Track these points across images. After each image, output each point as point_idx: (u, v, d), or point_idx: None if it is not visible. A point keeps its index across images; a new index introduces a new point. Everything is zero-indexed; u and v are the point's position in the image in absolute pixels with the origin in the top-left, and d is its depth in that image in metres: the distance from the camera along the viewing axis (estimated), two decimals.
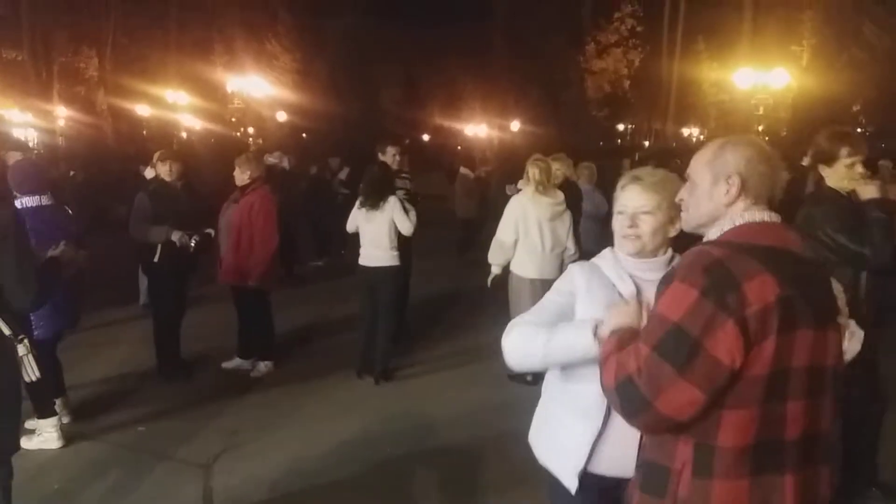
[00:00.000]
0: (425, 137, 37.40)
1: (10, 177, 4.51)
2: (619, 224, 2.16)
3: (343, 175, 12.66)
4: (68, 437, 4.71)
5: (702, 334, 1.52)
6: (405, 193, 6.47)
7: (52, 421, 4.60)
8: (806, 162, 3.77)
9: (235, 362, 6.10)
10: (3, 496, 2.99)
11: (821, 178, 3.42)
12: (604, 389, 1.69)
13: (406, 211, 5.84)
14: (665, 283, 1.65)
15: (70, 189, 12.63)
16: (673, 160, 11.19)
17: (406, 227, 5.80)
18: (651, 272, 2.10)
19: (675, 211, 2.02)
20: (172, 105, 27.27)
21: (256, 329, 6.06)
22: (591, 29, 30.92)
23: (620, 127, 36.00)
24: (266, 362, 6.08)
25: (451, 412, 5.22)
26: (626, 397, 1.60)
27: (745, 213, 1.72)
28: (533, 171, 5.57)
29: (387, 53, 34.13)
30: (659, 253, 2.15)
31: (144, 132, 27.55)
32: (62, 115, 26.57)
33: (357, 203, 5.93)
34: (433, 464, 4.44)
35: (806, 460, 1.64)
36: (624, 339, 1.71)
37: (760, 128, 22.66)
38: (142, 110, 27.62)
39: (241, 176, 5.85)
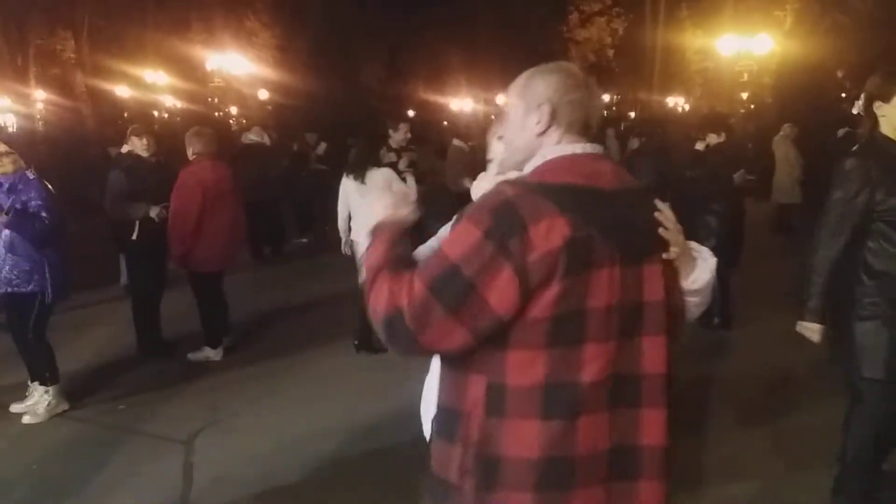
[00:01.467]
0: (410, 113, 37.10)
1: None
2: None
3: (320, 150, 12.53)
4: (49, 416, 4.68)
5: (477, 277, 1.47)
6: (410, 167, 6.44)
7: (58, 387, 4.78)
8: (857, 109, 3.56)
9: (205, 352, 5.85)
10: None
11: (874, 125, 3.06)
12: (371, 312, 1.58)
13: (403, 180, 5.79)
14: (457, 218, 1.58)
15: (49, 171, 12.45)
16: (658, 128, 11.12)
17: (408, 192, 5.70)
18: None
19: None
20: (152, 86, 26.93)
21: (203, 313, 5.85)
22: None
23: (606, 97, 35.90)
24: (211, 349, 5.82)
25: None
26: (393, 329, 1.53)
27: (557, 147, 1.64)
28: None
29: (368, 28, 33.65)
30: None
31: (125, 114, 27.17)
32: (40, 98, 26.17)
33: (345, 176, 5.80)
34: (419, 436, 4.40)
35: (616, 402, 1.57)
36: (391, 239, 1.67)
37: (745, 95, 22.70)
38: (121, 92, 27.26)
39: (188, 152, 5.66)
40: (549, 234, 1.47)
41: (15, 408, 4.77)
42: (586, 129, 1.67)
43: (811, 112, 15.94)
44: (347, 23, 32.02)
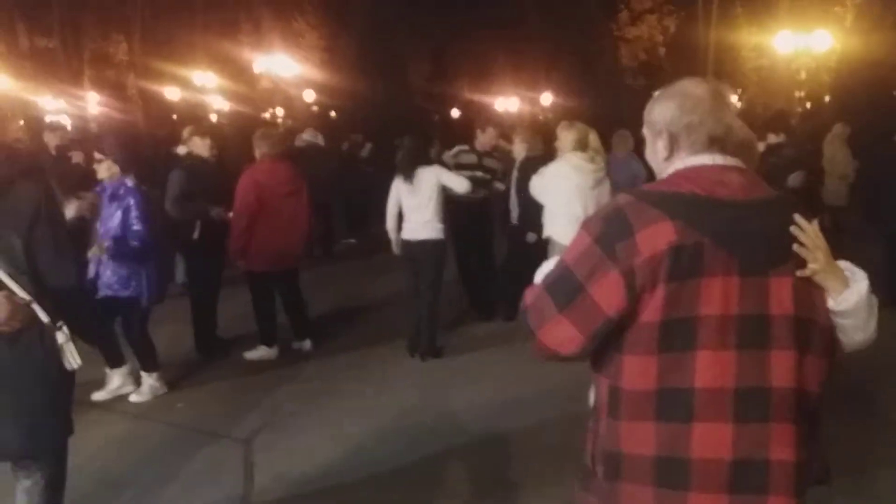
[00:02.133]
0: (454, 113, 36.94)
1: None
2: None
3: (365, 152, 12.53)
4: (107, 414, 4.69)
5: (586, 279, 1.58)
6: (488, 173, 6.51)
7: (160, 373, 5.08)
8: None
9: (259, 351, 5.82)
10: (44, 488, 2.87)
11: None
12: None
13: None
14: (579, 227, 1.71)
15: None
16: None
17: (461, 184, 5.63)
18: None
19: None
20: (201, 87, 27.36)
21: (256, 312, 5.83)
22: None
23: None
24: (266, 347, 5.80)
25: (498, 393, 5.02)
26: (524, 324, 1.71)
27: (685, 160, 1.69)
28: (565, 137, 5.31)
29: (414, 27, 33.66)
30: None
31: (174, 115, 27.66)
32: (93, 100, 26.83)
33: (397, 174, 5.73)
34: (474, 447, 4.27)
35: (743, 414, 1.57)
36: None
37: (801, 93, 22.03)
38: (171, 93, 27.77)
39: (256, 153, 5.69)
40: (655, 239, 1.54)
41: (97, 396, 4.97)
42: (712, 143, 1.68)
43: (870, 111, 15.37)
44: (393, 22, 32.10)
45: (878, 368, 5.05)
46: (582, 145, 5.29)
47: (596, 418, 1.73)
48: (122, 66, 27.48)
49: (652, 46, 29.91)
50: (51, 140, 7.13)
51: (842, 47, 19.30)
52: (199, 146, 5.74)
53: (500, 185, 6.78)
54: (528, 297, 1.71)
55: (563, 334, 1.62)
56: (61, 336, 2.70)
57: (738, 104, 30.73)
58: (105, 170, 4.71)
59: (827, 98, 21.45)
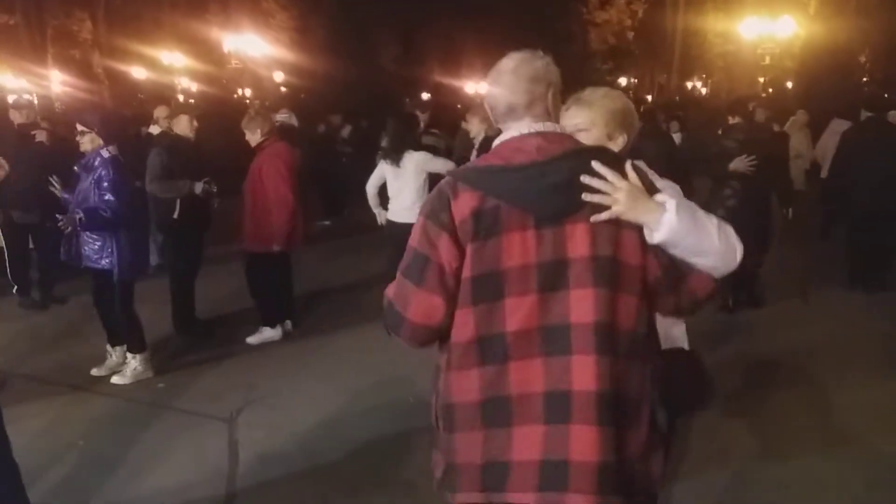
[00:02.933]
0: (424, 96, 36.89)
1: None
2: None
3: (345, 133, 12.51)
4: (88, 394, 4.74)
5: (430, 250, 1.80)
6: (434, 150, 6.49)
7: (145, 355, 5.08)
8: None
9: (265, 334, 5.81)
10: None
11: None
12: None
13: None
14: None
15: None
16: (676, 112, 11.03)
17: (445, 165, 5.69)
18: None
19: (613, 126, 2.18)
20: (168, 67, 26.91)
21: (275, 292, 5.84)
22: None
23: (623, 81, 35.58)
24: (269, 329, 5.82)
25: None
26: (389, 316, 1.92)
27: (499, 139, 1.91)
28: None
29: (384, 9, 33.46)
30: None
31: (141, 95, 27.20)
32: (57, 79, 26.22)
33: (379, 158, 5.79)
34: None
35: (549, 351, 1.75)
36: None
37: (763, 79, 22.42)
38: (138, 73, 27.27)
39: (253, 137, 5.61)
40: (463, 207, 1.77)
41: (96, 371, 5.08)
42: (511, 111, 1.87)
43: (833, 96, 15.74)
44: (363, 4, 31.84)
45: (818, 350, 5.32)
46: None
47: (436, 376, 1.93)
48: (86, 45, 26.86)
49: (621, 30, 30.15)
50: (16, 118, 7.02)
51: (805, 34, 19.69)
52: (185, 126, 5.73)
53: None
54: (389, 291, 1.92)
55: (427, 305, 1.81)
56: None
57: (704, 89, 31.19)
58: (88, 142, 4.73)
59: (790, 84, 21.85)
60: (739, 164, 5.83)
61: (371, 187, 5.86)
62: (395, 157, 5.63)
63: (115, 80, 26.94)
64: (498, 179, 1.79)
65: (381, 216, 5.91)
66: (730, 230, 1.84)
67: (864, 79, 21.38)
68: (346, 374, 5.11)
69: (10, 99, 9.54)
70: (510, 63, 1.89)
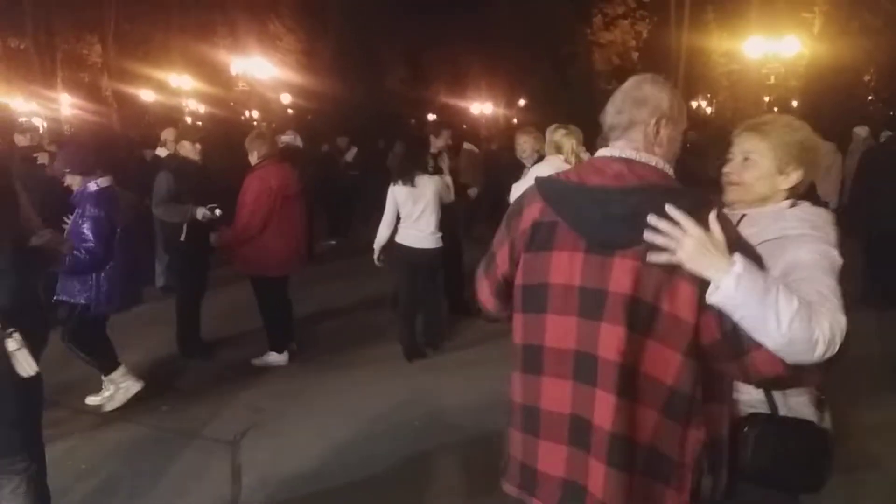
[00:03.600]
0: (430, 117, 37.09)
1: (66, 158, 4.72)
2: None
3: (350, 156, 12.56)
4: (93, 418, 4.71)
5: (496, 248, 1.98)
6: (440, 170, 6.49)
7: (120, 370, 4.93)
8: None
9: (268, 358, 5.77)
10: (25, 494, 2.92)
11: None
12: None
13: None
14: None
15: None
16: (686, 132, 10.99)
17: (449, 196, 5.82)
18: (749, 227, 1.96)
19: (787, 159, 1.98)
20: (176, 90, 27.16)
21: (275, 316, 5.78)
22: (597, 0, 30.54)
23: None
24: (276, 354, 5.76)
25: (486, 391, 5.11)
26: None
27: (597, 153, 1.94)
28: (568, 142, 5.44)
29: (391, 32, 33.71)
30: (767, 203, 2.03)
31: (149, 118, 27.44)
32: (67, 102, 26.50)
33: (395, 180, 5.67)
34: (465, 446, 4.36)
35: (578, 376, 1.77)
36: None
37: (768, 98, 22.46)
38: (146, 95, 27.53)
39: (251, 157, 5.61)
40: (529, 216, 1.87)
41: (91, 400, 5.00)
42: (611, 132, 1.88)
43: (837, 116, 15.76)
44: (370, 26, 32.08)
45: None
46: (557, 148, 5.45)
47: None
48: (95, 68, 27.18)
49: (625, 51, 30.32)
50: (21, 141, 7.07)
51: (810, 53, 19.74)
52: (188, 149, 5.76)
53: (472, 191, 6.87)
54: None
55: (484, 292, 2.06)
56: (12, 343, 2.69)
57: (709, 108, 31.26)
58: (73, 182, 4.64)
59: (795, 103, 21.86)
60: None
61: (390, 215, 5.67)
62: (409, 178, 5.57)
63: (123, 103, 27.19)
64: (564, 196, 1.82)
65: (380, 251, 5.78)
66: (814, 320, 1.62)
67: (870, 97, 21.37)
68: (351, 396, 5.09)
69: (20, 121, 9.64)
70: (628, 83, 1.89)
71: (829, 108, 17.71)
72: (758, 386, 1.87)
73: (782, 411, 1.94)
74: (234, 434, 4.50)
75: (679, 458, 1.73)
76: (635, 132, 1.81)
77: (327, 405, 4.95)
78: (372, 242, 5.84)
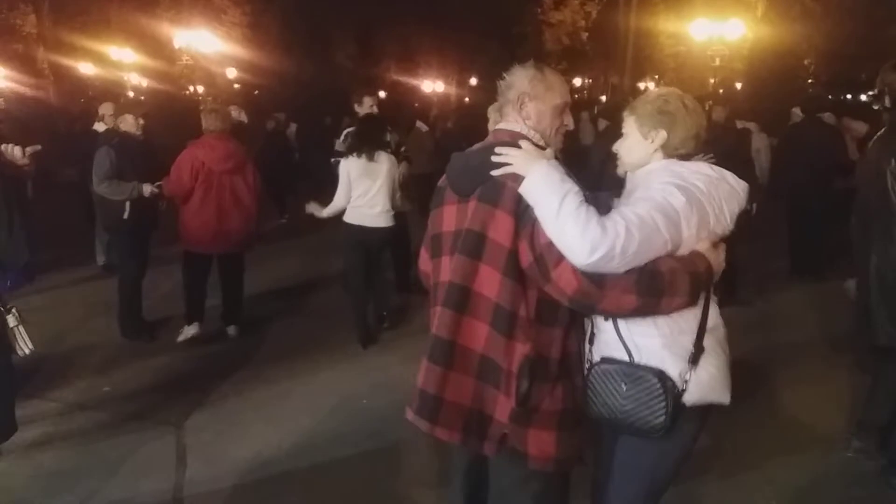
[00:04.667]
0: (381, 94, 36.73)
1: None
2: None
3: (290, 131, 12.38)
4: (31, 400, 4.57)
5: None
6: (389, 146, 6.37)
7: None
8: (880, 105, 3.66)
9: (184, 331, 5.71)
10: None
11: None
12: None
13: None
14: None
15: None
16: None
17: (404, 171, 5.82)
18: (629, 185, 2.27)
19: (647, 127, 2.18)
20: (117, 63, 26.27)
21: (187, 293, 5.71)
22: None
23: (577, 81, 35.93)
24: (188, 325, 5.68)
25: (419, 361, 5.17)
26: None
27: None
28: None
29: (340, 7, 33.18)
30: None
31: (90, 92, 26.49)
32: (0, 75, 25.38)
33: (348, 155, 5.50)
34: (412, 426, 4.38)
35: (443, 300, 2.16)
36: None
37: (713, 80, 22.90)
38: (85, 69, 26.55)
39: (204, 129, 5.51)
40: (438, 184, 2.38)
41: None
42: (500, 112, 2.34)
43: (779, 97, 16.20)
44: (317, 1, 31.51)
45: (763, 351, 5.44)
46: None
47: None
48: (30, 39, 26.01)
49: (574, 31, 30.50)
50: None
51: (753, 36, 20.17)
52: (131, 124, 5.56)
53: (405, 166, 6.74)
54: None
55: (422, 259, 2.50)
56: (12, 319, 2.62)
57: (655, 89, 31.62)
58: None
59: (739, 85, 22.36)
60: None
61: (345, 189, 5.45)
62: (368, 154, 5.41)
63: (61, 76, 26.12)
64: (451, 163, 2.30)
65: (331, 215, 5.60)
66: (594, 223, 1.89)
67: (810, 80, 21.99)
68: (296, 376, 5.04)
69: None
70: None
71: (771, 90, 18.16)
72: (580, 310, 2.09)
73: (634, 354, 2.10)
74: (178, 415, 4.42)
75: (507, 366, 2.07)
76: (506, 109, 2.26)
77: (272, 385, 4.90)
78: (320, 220, 5.69)
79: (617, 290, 1.92)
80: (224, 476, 3.74)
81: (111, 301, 5.80)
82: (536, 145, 2.16)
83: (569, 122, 2.29)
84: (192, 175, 5.32)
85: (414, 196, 6.78)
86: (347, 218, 5.55)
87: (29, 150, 3.36)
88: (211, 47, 25.79)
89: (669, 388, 2.04)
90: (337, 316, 6.08)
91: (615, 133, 2.29)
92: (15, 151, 3.20)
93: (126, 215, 5.45)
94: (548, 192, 1.95)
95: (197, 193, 5.37)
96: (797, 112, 9.58)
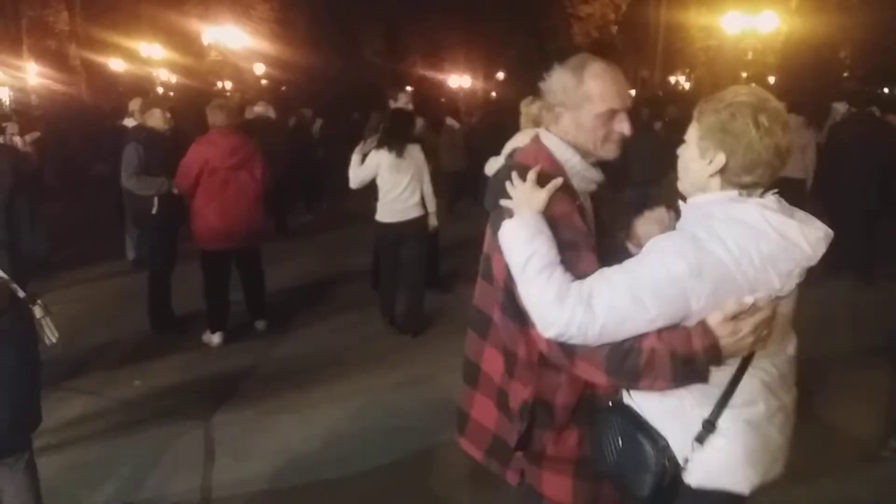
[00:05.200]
0: (408, 89, 36.74)
1: None
2: None
3: (316, 128, 12.36)
4: (61, 392, 4.61)
5: None
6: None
7: None
8: None
9: (204, 337, 5.61)
10: (24, 470, 2.82)
11: None
12: None
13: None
14: None
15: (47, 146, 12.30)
16: (667, 107, 10.91)
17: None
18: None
19: (708, 143, 1.70)
20: (147, 59, 26.58)
21: (210, 295, 5.60)
22: None
23: None
24: (210, 332, 5.59)
25: (450, 358, 5.12)
26: None
27: None
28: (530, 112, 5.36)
29: (367, 3, 33.25)
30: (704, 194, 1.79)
31: (120, 88, 26.84)
32: (33, 71, 25.81)
33: (376, 149, 5.47)
34: (438, 427, 4.35)
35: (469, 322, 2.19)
36: None
37: (745, 74, 22.54)
38: (115, 65, 26.90)
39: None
40: None
41: None
42: None
43: (814, 91, 15.87)
44: None
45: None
46: (535, 122, 5.37)
47: None
48: (62, 36, 26.44)
49: (604, 24, 30.19)
50: None
51: (787, 29, 19.80)
52: (158, 119, 5.57)
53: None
54: None
55: None
56: (39, 310, 2.63)
57: (687, 83, 31.34)
58: None
59: (772, 79, 21.96)
60: None
61: (367, 174, 5.48)
62: (399, 147, 5.40)
63: (92, 72, 26.54)
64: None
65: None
66: (553, 298, 1.63)
67: (845, 74, 21.53)
68: (322, 371, 5.03)
69: None
70: None
71: (805, 84, 17.81)
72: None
73: (640, 411, 1.82)
74: (207, 409, 4.43)
75: (513, 406, 1.94)
76: (545, 115, 1.99)
77: (301, 382, 4.88)
78: (346, 216, 5.78)
79: (586, 363, 1.68)
80: (252, 469, 3.74)
81: (141, 295, 5.83)
82: (552, 170, 1.85)
83: (622, 128, 1.89)
84: (198, 172, 5.26)
85: (444, 192, 6.73)
86: (380, 217, 5.57)
87: (28, 137, 3.41)
88: (239, 43, 25.98)
89: (661, 463, 1.73)
90: (363, 313, 6.08)
91: (637, 130, 1.97)
92: (16, 140, 3.25)
93: (154, 210, 5.47)
94: (514, 248, 1.74)
95: (203, 190, 5.31)
96: (838, 107, 9.32)
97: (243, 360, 5.27)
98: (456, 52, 34.48)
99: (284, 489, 3.58)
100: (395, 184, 5.45)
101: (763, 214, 1.64)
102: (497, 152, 5.64)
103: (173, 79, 28.02)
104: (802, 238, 1.65)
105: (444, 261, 7.14)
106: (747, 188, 1.70)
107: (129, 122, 7.45)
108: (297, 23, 30.76)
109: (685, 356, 1.60)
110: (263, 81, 30.41)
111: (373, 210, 5.67)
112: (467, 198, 9.64)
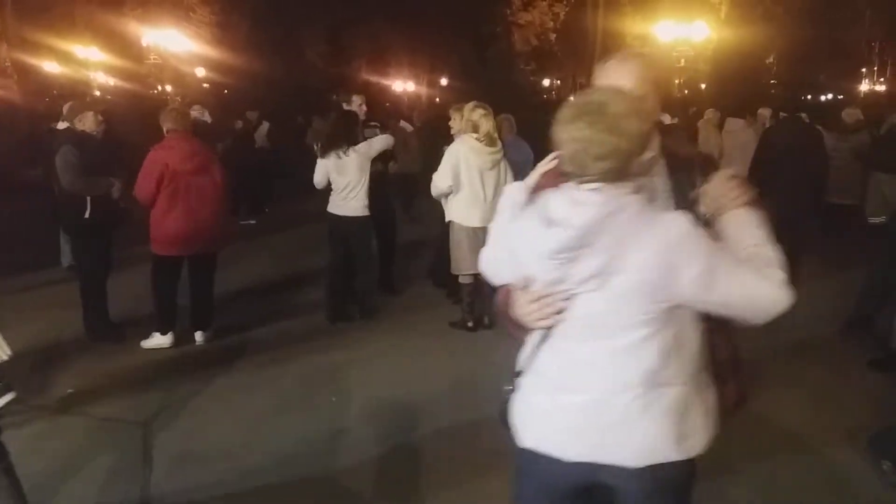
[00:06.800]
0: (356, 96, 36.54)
1: None
2: None
3: (262, 130, 12.33)
4: None
5: None
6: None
7: None
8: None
9: (154, 339, 5.63)
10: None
11: None
12: None
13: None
14: None
15: None
16: None
17: (386, 141, 6.13)
18: None
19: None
20: (84, 62, 25.90)
21: (153, 296, 5.65)
22: None
23: (546, 82, 36.14)
24: (160, 335, 5.61)
25: (400, 372, 5.26)
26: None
27: None
28: (487, 123, 5.58)
29: (310, 7, 32.99)
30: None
31: (55, 91, 26.05)
32: None
33: (321, 152, 5.94)
34: (378, 411, 4.48)
35: None
36: None
37: (678, 80, 23.26)
38: (50, 67, 26.12)
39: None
40: None
41: None
42: None
43: (743, 96, 16.52)
44: (288, 0, 31.30)
45: None
46: (474, 127, 5.58)
47: None
48: None
49: (543, 32, 30.73)
50: None
51: (717, 38, 20.53)
52: (90, 122, 5.55)
53: (392, 165, 6.84)
54: None
55: None
56: None
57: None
58: None
59: (703, 85, 22.73)
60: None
61: (321, 180, 5.97)
62: (342, 149, 5.80)
63: (25, 75, 25.65)
64: None
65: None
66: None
67: (773, 81, 22.42)
68: (266, 376, 5.08)
69: None
70: None
71: (735, 90, 18.50)
72: None
73: None
74: (145, 415, 4.43)
75: None
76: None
77: (241, 385, 4.93)
78: (296, 217, 6.00)
79: None
80: (191, 475, 3.76)
81: (77, 303, 5.77)
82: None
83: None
84: (159, 178, 5.28)
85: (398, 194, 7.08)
86: (330, 208, 6.02)
87: None
88: (179, 46, 25.55)
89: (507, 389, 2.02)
90: (309, 316, 6.19)
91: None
92: None
93: (87, 214, 5.43)
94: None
95: (164, 196, 5.32)
96: (763, 112, 9.77)
97: (184, 365, 5.27)
98: (400, 57, 34.56)
99: (225, 495, 3.60)
100: (339, 185, 5.90)
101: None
102: (437, 155, 5.85)
103: (111, 82, 27.35)
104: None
105: (397, 263, 7.31)
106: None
107: (61, 125, 7.34)
108: (238, 26, 30.35)
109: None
110: (205, 85, 29.94)
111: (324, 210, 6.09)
112: (421, 200, 9.79)
